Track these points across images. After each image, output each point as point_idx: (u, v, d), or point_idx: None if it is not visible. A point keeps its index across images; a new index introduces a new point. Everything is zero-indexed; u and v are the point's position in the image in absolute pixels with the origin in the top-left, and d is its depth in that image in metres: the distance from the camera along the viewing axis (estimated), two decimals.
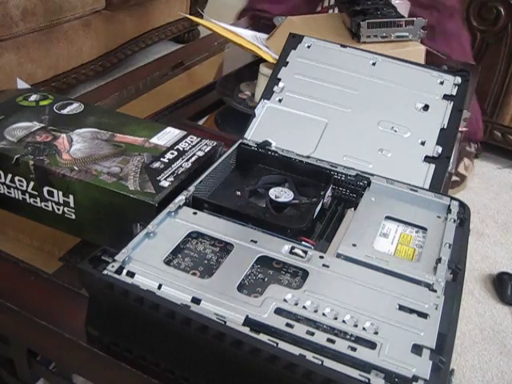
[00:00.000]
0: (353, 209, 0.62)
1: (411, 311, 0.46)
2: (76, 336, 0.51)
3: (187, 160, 0.65)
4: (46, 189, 0.62)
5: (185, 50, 1.39)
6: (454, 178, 1.68)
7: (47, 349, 0.58)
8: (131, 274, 0.46)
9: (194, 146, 0.68)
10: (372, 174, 0.64)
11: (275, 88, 0.75)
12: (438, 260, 0.52)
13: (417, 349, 0.42)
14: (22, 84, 0.89)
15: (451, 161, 0.69)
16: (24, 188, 0.63)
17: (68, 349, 0.53)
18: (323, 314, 0.44)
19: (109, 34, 2.13)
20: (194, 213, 0.55)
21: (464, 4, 1.79)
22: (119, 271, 0.46)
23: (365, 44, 0.98)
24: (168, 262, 0.49)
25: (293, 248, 0.51)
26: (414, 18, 1.01)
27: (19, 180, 0.63)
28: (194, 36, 2.76)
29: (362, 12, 1.03)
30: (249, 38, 1.03)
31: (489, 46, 1.80)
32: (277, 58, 0.90)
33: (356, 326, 0.43)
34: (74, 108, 0.74)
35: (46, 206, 0.63)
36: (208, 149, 0.68)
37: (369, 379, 0.39)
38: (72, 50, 1.97)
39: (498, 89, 1.84)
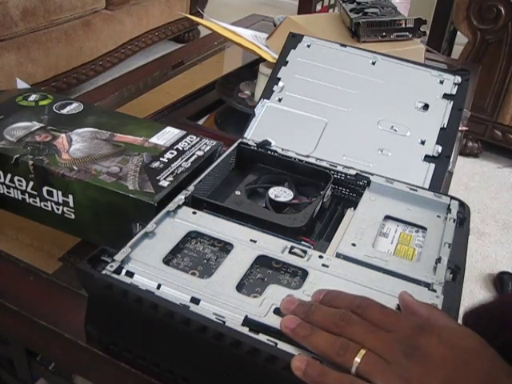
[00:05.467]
0: (352, 208, 0.62)
1: None
2: (76, 336, 0.51)
3: (187, 160, 0.65)
4: (45, 189, 0.62)
5: (185, 49, 1.39)
6: None
7: (47, 349, 0.58)
8: (130, 274, 0.46)
9: (193, 146, 0.68)
10: (372, 174, 0.64)
11: (275, 87, 0.75)
12: (438, 260, 0.52)
13: None
14: (21, 84, 0.89)
15: (451, 160, 0.69)
16: (23, 188, 0.63)
17: (68, 349, 0.53)
18: None
19: (109, 34, 2.14)
20: (194, 212, 0.55)
21: (464, 3, 1.79)
22: (118, 271, 0.46)
23: (365, 43, 0.98)
24: (167, 262, 0.49)
25: (292, 248, 0.51)
26: (414, 17, 1.01)
27: (19, 180, 0.63)
28: (194, 36, 2.77)
29: (362, 11, 1.03)
30: (249, 37, 1.03)
31: (489, 46, 1.80)
32: (277, 57, 0.90)
33: None
34: (73, 108, 0.74)
35: (45, 205, 0.63)
36: (207, 148, 0.68)
37: None
38: (72, 50, 1.97)
39: (498, 88, 1.84)
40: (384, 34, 1.00)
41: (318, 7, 2.45)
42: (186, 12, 2.53)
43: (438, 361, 0.36)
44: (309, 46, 0.80)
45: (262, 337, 0.41)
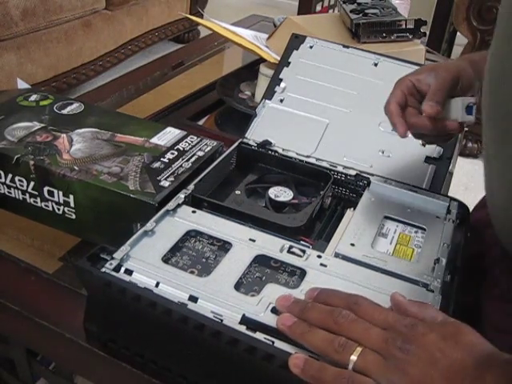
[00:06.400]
0: (352, 208, 0.62)
1: None
2: (76, 336, 0.51)
3: (187, 160, 0.65)
4: (46, 189, 0.62)
5: (185, 49, 1.39)
6: None
7: (47, 349, 0.58)
8: (129, 272, 0.46)
9: (194, 146, 0.68)
10: (372, 174, 0.64)
11: (277, 88, 0.75)
12: (437, 260, 0.52)
13: None
14: (22, 84, 0.89)
15: (452, 161, 0.69)
16: (24, 188, 0.64)
17: (68, 348, 0.53)
18: None
19: (109, 34, 2.14)
20: (193, 211, 0.55)
21: (464, 4, 1.79)
22: (117, 269, 0.46)
23: (365, 44, 0.98)
24: (166, 260, 0.49)
25: (291, 247, 0.51)
26: (414, 18, 1.01)
27: (19, 180, 0.63)
28: (194, 36, 2.77)
29: (363, 12, 1.03)
30: (249, 37, 1.03)
31: (489, 46, 1.80)
32: (277, 57, 0.90)
33: None
34: (74, 108, 0.74)
35: (46, 205, 0.63)
36: (208, 149, 0.68)
37: None
38: (72, 50, 1.98)
39: None
40: (384, 34, 1.00)
41: (318, 8, 2.46)
42: (186, 12, 2.53)
43: (436, 353, 0.36)
44: (311, 47, 0.80)
45: (260, 335, 0.41)
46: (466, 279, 0.48)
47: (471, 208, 0.61)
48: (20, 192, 0.64)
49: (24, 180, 0.63)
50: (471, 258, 0.56)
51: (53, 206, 0.63)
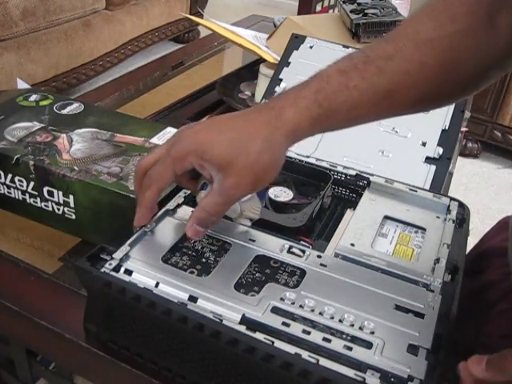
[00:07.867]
0: (352, 208, 0.62)
1: (408, 311, 0.46)
2: (76, 336, 0.51)
3: None
4: (46, 189, 0.62)
5: (185, 49, 1.39)
6: None
7: (47, 349, 0.58)
8: (129, 272, 0.46)
9: None
10: (372, 174, 0.64)
11: (277, 88, 0.75)
12: (437, 260, 0.52)
13: (413, 349, 0.42)
14: (22, 84, 0.89)
15: (452, 161, 0.69)
16: (24, 188, 0.64)
17: (68, 349, 0.53)
18: (320, 314, 0.44)
19: (109, 34, 2.14)
20: (193, 211, 0.55)
21: None
22: (117, 269, 0.46)
23: (365, 44, 0.98)
24: (166, 261, 0.49)
25: (291, 247, 0.51)
26: None
27: (19, 180, 0.63)
28: (194, 36, 2.77)
29: (362, 12, 1.03)
30: (249, 37, 1.03)
31: None
32: (277, 57, 0.90)
33: (352, 325, 0.43)
34: (74, 108, 0.74)
35: (46, 206, 0.63)
36: None
37: (364, 378, 0.39)
38: (72, 50, 1.98)
39: (497, 89, 1.84)
40: (384, 34, 1.00)
41: (318, 8, 2.46)
42: (186, 12, 2.54)
43: None
44: (311, 47, 0.80)
45: (259, 335, 0.41)
46: (467, 314, 0.44)
47: (471, 208, 0.61)
48: (20, 192, 0.64)
49: (24, 180, 0.63)
50: (479, 290, 0.53)
51: (53, 206, 0.63)
